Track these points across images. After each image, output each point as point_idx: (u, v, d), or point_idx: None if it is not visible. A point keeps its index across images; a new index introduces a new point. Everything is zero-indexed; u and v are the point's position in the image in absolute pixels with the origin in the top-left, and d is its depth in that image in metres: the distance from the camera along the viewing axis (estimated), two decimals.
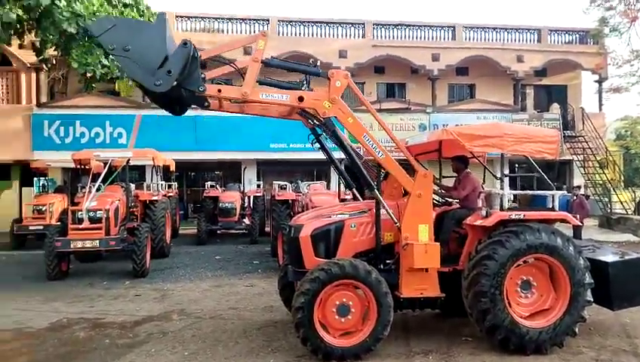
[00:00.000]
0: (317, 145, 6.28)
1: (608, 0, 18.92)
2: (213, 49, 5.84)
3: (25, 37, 13.51)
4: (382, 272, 5.51)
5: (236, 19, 20.87)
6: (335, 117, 5.50)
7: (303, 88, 5.57)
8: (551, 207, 6.01)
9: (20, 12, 11.28)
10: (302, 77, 5.75)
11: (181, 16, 20.67)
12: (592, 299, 5.67)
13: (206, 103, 5.46)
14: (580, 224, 8.29)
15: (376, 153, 5.57)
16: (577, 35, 23.07)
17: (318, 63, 5.82)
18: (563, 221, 6.09)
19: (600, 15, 19.64)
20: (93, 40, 12.09)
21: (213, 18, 21.04)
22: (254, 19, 20.87)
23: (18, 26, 12.28)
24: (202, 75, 5.18)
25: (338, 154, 6.44)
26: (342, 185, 15.52)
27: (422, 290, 5.65)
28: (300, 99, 5.40)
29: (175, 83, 4.92)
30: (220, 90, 5.27)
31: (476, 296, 5.46)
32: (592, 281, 5.63)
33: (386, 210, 5.66)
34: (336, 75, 5.49)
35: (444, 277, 5.78)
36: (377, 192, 5.68)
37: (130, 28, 4.97)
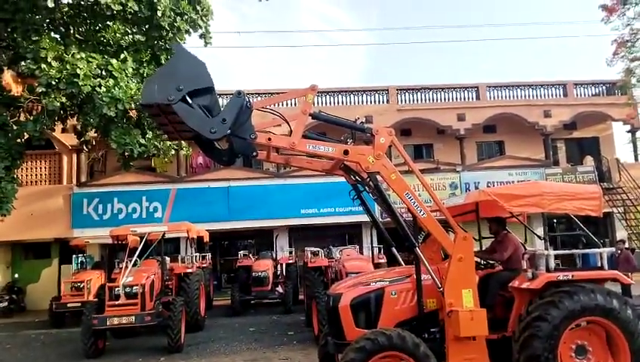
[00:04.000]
0: (358, 201, 6.28)
1: (632, 51, 18.92)
2: (264, 100, 6.05)
3: (67, 121, 14.30)
4: (426, 342, 5.28)
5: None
6: (378, 172, 5.50)
7: (348, 143, 5.65)
8: (599, 265, 5.75)
9: (64, 99, 12.00)
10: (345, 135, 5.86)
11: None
12: None
13: (254, 153, 5.49)
14: (632, 282, 7.84)
15: (418, 212, 5.47)
16: (604, 87, 22.98)
17: (364, 120, 5.92)
18: (613, 280, 5.80)
19: (625, 66, 19.59)
20: (131, 121, 12.72)
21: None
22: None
23: (61, 112, 13.06)
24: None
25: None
26: (375, 249, 15.45)
27: (470, 360, 5.35)
28: (346, 152, 5.43)
29: (229, 131, 5.05)
30: (269, 139, 5.35)
31: (528, 359, 5.17)
32: None
33: (429, 272, 5.49)
34: (380, 132, 5.55)
35: (493, 345, 5.50)
36: (419, 251, 5.54)
37: (170, 73, 5.06)
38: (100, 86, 12.04)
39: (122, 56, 13.14)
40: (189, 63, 5.10)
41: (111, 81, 12.25)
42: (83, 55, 12.19)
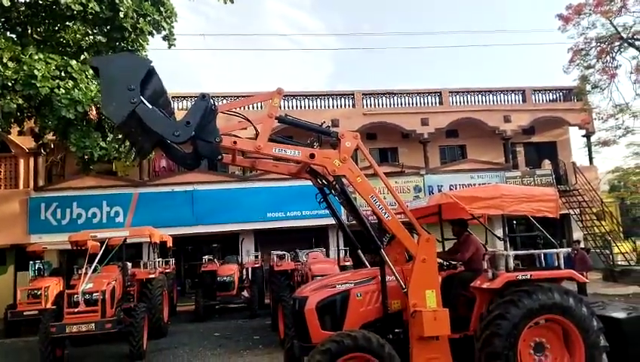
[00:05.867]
0: (324, 204, 6.32)
1: (586, 59, 19.72)
2: (229, 103, 6.00)
3: (24, 124, 13.82)
4: (391, 342, 5.35)
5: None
6: (344, 175, 5.54)
7: (314, 147, 5.67)
8: (556, 265, 5.95)
9: (21, 101, 11.60)
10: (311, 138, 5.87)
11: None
12: None
13: (219, 156, 5.46)
14: (586, 280, 8.23)
15: (382, 214, 5.55)
16: (561, 93, 23.83)
17: (330, 124, 5.96)
18: (569, 279, 6.02)
19: (580, 73, 20.41)
20: (91, 124, 12.39)
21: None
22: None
23: (18, 114, 12.61)
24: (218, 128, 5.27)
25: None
26: (341, 252, 15.51)
27: (434, 360, 5.45)
28: (312, 156, 5.47)
29: (193, 134, 4.99)
30: (235, 142, 5.33)
31: (489, 357, 5.30)
32: (608, 344, 5.48)
33: (393, 273, 5.58)
34: (346, 136, 5.60)
35: (456, 344, 5.61)
36: (384, 252, 5.61)
37: (112, 83, 4.89)
38: (58, 87, 11.69)
39: (82, 57, 12.82)
40: (117, 64, 5.01)
41: (70, 83, 11.92)
42: (41, 56, 11.81)
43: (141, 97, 4.79)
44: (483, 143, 23.21)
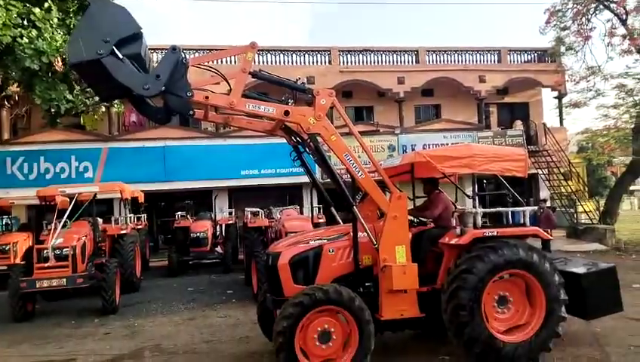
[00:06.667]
0: (298, 162, 6.32)
1: (563, 21, 19.75)
2: (201, 57, 5.85)
3: None
4: (361, 295, 5.48)
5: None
6: (319, 133, 5.51)
7: (289, 104, 5.60)
8: (522, 222, 6.13)
9: None
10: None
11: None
12: (566, 316, 5.76)
13: (191, 112, 5.38)
14: (551, 238, 8.55)
15: (356, 173, 5.60)
16: (536, 54, 23.98)
17: (305, 81, 5.89)
18: (534, 236, 6.23)
19: (555, 35, 20.47)
20: (57, 75, 11.94)
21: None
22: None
23: None
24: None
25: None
26: (315, 210, 15.64)
27: (402, 312, 5.64)
28: (286, 113, 5.42)
29: (163, 88, 4.89)
30: (207, 97, 5.23)
31: (455, 309, 5.49)
32: (567, 298, 5.73)
33: (365, 230, 5.67)
34: (322, 93, 5.55)
35: (424, 297, 5.80)
36: (356, 210, 5.68)
37: (92, 26, 4.79)
38: (21, 37, 11.18)
39: (46, 5, 12.18)
40: (109, 12, 4.86)
41: (34, 32, 11.40)
42: (1, 2, 11.19)
43: (115, 49, 4.66)
44: (457, 103, 23.36)
